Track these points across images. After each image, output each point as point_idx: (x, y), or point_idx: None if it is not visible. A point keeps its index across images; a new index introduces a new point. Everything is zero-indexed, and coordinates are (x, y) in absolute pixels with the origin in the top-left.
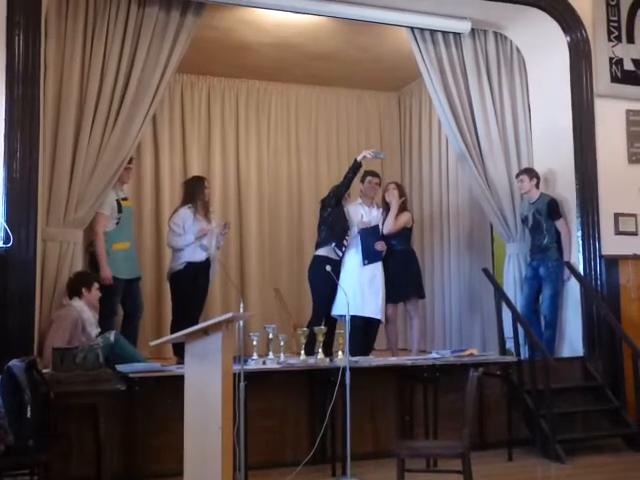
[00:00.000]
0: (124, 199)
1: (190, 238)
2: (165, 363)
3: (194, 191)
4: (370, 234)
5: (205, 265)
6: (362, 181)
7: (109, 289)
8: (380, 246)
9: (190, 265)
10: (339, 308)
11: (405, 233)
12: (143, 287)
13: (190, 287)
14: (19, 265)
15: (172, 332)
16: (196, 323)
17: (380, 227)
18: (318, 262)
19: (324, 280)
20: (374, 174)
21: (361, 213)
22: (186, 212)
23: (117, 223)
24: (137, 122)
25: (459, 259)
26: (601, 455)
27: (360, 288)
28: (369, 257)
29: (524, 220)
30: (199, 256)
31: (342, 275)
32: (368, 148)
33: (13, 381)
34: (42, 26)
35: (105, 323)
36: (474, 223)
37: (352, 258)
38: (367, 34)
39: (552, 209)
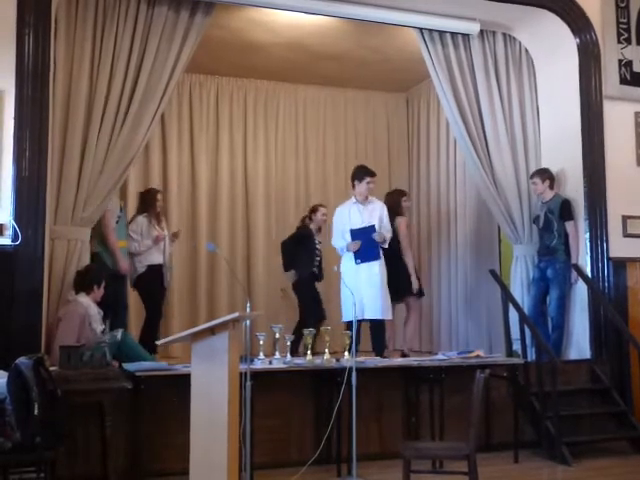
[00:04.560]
0: None
1: (148, 243)
2: (172, 362)
3: (148, 202)
4: (360, 234)
5: (161, 268)
6: (360, 179)
7: (118, 285)
8: (379, 237)
9: (152, 267)
10: (350, 314)
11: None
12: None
13: (156, 287)
14: (27, 263)
15: (145, 330)
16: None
17: (376, 225)
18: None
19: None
20: (373, 174)
21: (349, 214)
22: (142, 220)
23: (117, 222)
24: (145, 122)
25: (466, 260)
26: (607, 458)
27: (364, 291)
28: (361, 256)
29: (535, 219)
30: (158, 259)
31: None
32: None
33: (20, 379)
34: (52, 26)
35: (117, 318)
36: (481, 224)
37: (349, 270)
38: (376, 35)
39: (564, 209)
